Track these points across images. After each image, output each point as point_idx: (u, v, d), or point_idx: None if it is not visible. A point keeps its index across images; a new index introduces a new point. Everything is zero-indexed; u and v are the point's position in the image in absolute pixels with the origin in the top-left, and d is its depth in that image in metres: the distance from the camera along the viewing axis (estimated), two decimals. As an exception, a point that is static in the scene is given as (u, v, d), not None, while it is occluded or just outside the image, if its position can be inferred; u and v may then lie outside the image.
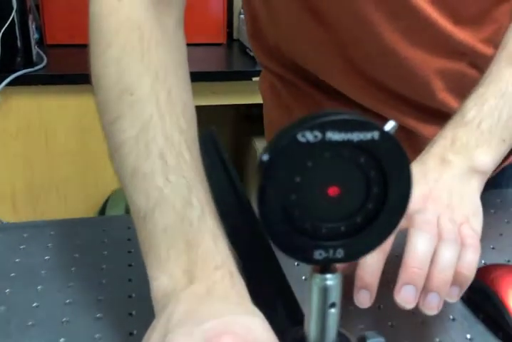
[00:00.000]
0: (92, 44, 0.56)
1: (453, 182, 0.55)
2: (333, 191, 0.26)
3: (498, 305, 0.54)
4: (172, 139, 0.49)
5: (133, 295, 0.56)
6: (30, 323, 0.53)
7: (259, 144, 2.01)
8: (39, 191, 1.86)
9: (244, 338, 0.36)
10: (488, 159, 0.57)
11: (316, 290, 0.28)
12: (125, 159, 0.49)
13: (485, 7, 0.71)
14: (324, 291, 0.28)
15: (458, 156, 0.56)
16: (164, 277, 0.44)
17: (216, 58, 1.96)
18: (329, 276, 0.28)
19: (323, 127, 0.25)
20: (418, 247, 0.48)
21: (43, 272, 0.59)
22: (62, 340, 0.51)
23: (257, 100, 1.00)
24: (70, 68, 1.83)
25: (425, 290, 0.47)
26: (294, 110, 0.88)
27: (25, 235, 0.66)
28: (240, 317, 0.39)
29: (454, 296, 0.49)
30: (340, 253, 0.27)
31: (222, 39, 1.96)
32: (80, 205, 1.94)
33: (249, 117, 2.02)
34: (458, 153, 0.56)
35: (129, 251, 0.62)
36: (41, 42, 1.83)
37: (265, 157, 0.26)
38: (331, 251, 0.27)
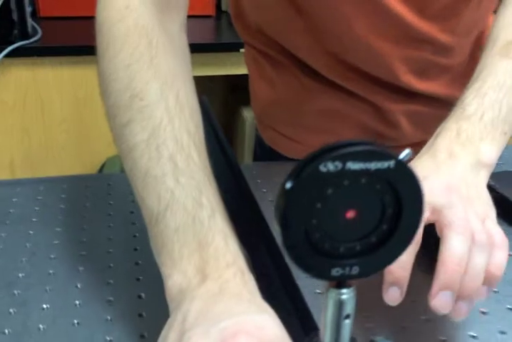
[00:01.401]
0: (101, 49, 0.55)
1: (466, 174, 0.53)
2: (350, 214, 0.27)
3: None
4: (181, 142, 0.49)
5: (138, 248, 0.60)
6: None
7: (248, 113, 2.01)
8: (36, 159, 1.86)
9: (257, 336, 0.37)
10: (492, 153, 0.56)
11: (332, 303, 0.28)
12: (137, 162, 0.49)
13: (449, 2, 0.73)
14: (340, 304, 0.28)
15: (465, 149, 0.55)
16: (178, 275, 0.44)
17: (205, 30, 1.94)
18: (344, 290, 0.28)
19: (344, 158, 0.25)
20: (457, 251, 0.46)
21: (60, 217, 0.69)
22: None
23: (245, 70, 0.98)
24: (64, 40, 1.80)
25: (456, 297, 0.45)
26: (277, 83, 0.89)
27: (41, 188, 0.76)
28: (253, 315, 0.39)
29: (483, 295, 0.48)
30: (356, 270, 0.28)
31: (211, 11, 1.94)
32: (76, 172, 1.93)
33: (238, 87, 2.01)
34: (465, 146, 0.55)
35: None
36: (34, 15, 1.79)
37: (288, 185, 0.26)
38: (347, 269, 0.28)
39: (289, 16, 0.76)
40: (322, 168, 0.25)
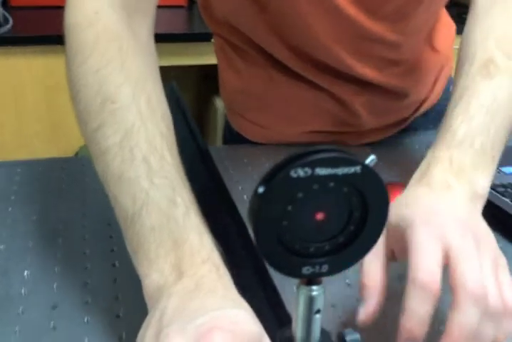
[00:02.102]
0: (70, 55, 0.56)
1: (467, 210, 0.52)
2: (319, 216, 0.28)
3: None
4: (154, 143, 0.50)
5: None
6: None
7: (220, 103, 2.02)
8: (9, 148, 1.84)
9: (232, 331, 0.38)
10: (485, 183, 0.55)
11: (303, 299, 0.30)
12: (110, 164, 0.50)
13: (399, 5, 0.76)
14: (310, 300, 0.30)
15: (460, 181, 0.53)
16: (154, 274, 0.45)
17: (177, 20, 1.93)
18: (314, 287, 0.30)
19: (313, 165, 0.27)
20: (468, 323, 0.43)
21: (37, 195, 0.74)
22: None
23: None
24: (35, 29, 1.79)
25: None
26: (244, 73, 0.91)
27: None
28: (228, 311, 0.40)
29: None
30: (325, 268, 0.29)
31: (182, 1, 1.93)
32: (49, 161, 1.92)
33: (210, 77, 2.01)
34: (459, 177, 0.53)
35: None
36: (5, 4, 1.77)
37: (261, 190, 0.27)
38: (317, 267, 0.29)
39: (252, 10, 0.78)
40: (293, 174, 0.27)
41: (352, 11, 0.75)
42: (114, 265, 0.61)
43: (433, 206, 0.50)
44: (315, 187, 0.27)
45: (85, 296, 0.57)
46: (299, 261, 0.29)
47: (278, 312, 0.44)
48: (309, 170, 0.27)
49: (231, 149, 0.97)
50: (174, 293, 0.43)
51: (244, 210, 0.60)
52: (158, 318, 0.41)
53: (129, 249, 0.48)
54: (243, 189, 0.80)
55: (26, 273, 0.59)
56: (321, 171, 0.27)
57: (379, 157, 0.69)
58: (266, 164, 0.87)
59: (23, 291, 0.57)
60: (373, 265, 0.49)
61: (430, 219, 0.48)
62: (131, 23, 0.58)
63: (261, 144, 0.95)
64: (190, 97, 2.34)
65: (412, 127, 0.98)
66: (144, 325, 0.43)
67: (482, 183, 0.54)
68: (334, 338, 0.32)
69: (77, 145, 1.84)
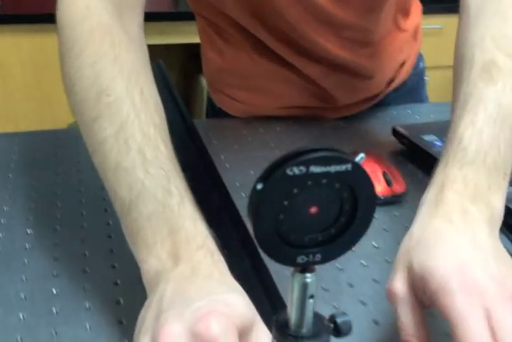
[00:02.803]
0: (65, 48, 0.57)
1: (490, 244, 0.48)
2: (313, 210, 0.30)
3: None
4: (148, 134, 0.52)
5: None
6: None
7: (204, 81, 2.02)
8: (-2, 126, 1.85)
9: (227, 314, 0.40)
10: (501, 204, 0.51)
11: (297, 286, 0.32)
12: (107, 155, 0.52)
13: None
14: (304, 286, 0.32)
15: (477, 205, 0.50)
16: (152, 260, 0.47)
17: (163, -2, 1.93)
18: (308, 275, 0.32)
19: (308, 163, 0.29)
20: None
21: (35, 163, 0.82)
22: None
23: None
24: (24, 8, 1.78)
25: None
26: (225, 52, 0.97)
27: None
28: (223, 295, 0.42)
29: None
30: (318, 257, 0.31)
31: (168, -20, 1.92)
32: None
33: (196, 55, 2.02)
34: (476, 201, 0.50)
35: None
36: (-8, -17, 1.76)
37: (259, 186, 0.29)
38: (311, 256, 0.31)
39: None
40: (289, 172, 0.29)
41: (322, 0, 0.81)
42: (108, 224, 0.68)
43: (462, 257, 0.45)
44: (309, 183, 0.29)
45: (84, 264, 0.59)
46: (294, 251, 0.31)
47: (272, 297, 0.46)
48: (303, 168, 0.29)
49: (214, 123, 1.05)
50: (172, 279, 0.45)
51: (226, 176, 0.67)
52: (157, 303, 0.43)
53: (126, 236, 0.50)
54: (226, 158, 0.86)
55: (28, 231, 0.66)
56: (315, 169, 0.29)
57: (352, 129, 0.71)
58: (247, 137, 0.95)
59: (26, 245, 0.64)
60: (409, 318, 0.45)
61: (465, 281, 0.43)
62: (122, 19, 0.59)
63: (240, 118, 1.02)
64: (175, 75, 2.34)
65: (385, 102, 1.04)
66: (143, 309, 0.45)
67: (497, 205, 0.51)
68: (325, 320, 0.35)
69: (66, 123, 1.85)
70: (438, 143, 0.86)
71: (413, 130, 0.91)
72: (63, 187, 0.77)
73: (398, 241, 0.50)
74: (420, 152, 0.86)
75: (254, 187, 0.29)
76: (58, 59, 0.59)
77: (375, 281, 0.60)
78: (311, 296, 0.32)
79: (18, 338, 0.51)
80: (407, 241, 0.48)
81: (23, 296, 0.56)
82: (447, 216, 0.48)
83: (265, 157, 0.83)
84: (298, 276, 0.32)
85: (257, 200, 0.29)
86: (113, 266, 0.62)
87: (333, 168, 0.29)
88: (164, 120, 0.55)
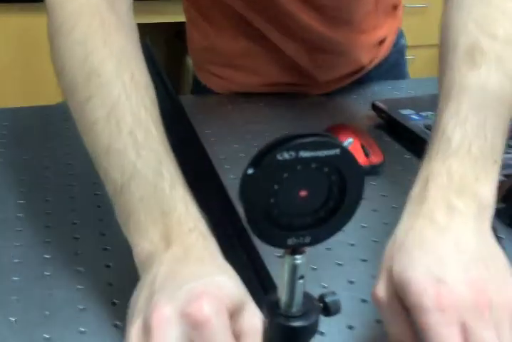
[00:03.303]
0: (54, 27, 0.57)
1: (474, 241, 0.46)
2: (303, 193, 0.31)
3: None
4: (139, 117, 0.52)
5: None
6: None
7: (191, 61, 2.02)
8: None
9: (218, 296, 0.41)
10: (490, 193, 0.49)
11: (288, 267, 0.33)
12: (98, 137, 0.52)
13: None
14: (295, 267, 0.33)
15: (462, 199, 0.48)
16: (145, 242, 0.47)
17: (149, -23, 1.91)
18: (298, 256, 0.33)
19: (297, 148, 0.29)
20: None
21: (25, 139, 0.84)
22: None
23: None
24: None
25: None
26: (208, 32, 1.00)
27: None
28: (214, 277, 0.43)
29: None
30: (308, 239, 0.32)
31: (154, -40, 1.90)
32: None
33: (182, 35, 2.01)
34: (462, 194, 0.48)
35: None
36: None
37: (250, 171, 0.30)
38: (300, 238, 0.32)
39: None
40: (279, 157, 0.29)
41: None
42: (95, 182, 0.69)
43: (441, 267, 0.44)
44: (299, 167, 0.30)
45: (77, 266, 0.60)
46: (285, 233, 0.32)
47: (263, 278, 0.47)
48: (293, 153, 0.29)
49: (199, 99, 1.07)
50: (164, 261, 0.45)
51: (211, 149, 0.70)
52: (150, 284, 0.44)
53: (119, 218, 0.51)
54: (211, 133, 0.88)
55: (19, 201, 0.69)
56: (305, 153, 0.30)
57: (333, 105, 0.73)
58: (231, 112, 0.99)
59: (18, 215, 0.66)
60: (395, 323, 0.45)
61: (441, 297, 0.41)
62: (111, 0, 0.59)
63: (224, 94, 1.05)
64: (163, 53, 2.34)
65: (366, 78, 1.07)
66: (136, 291, 0.46)
67: (486, 194, 0.49)
68: (315, 300, 0.36)
69: (53, 102, 1.84)
70: (415, 117, 0.91)
71: (391, 105, 0.95)
72: (53, 160, 0.79)
73: (374, 209, 0.50)
74: (397, 126, 0.90)
75: (245, 172, 0.30)
76: (46, 38, 0.58)
77: (363, 260, 0.62)
78: (302, 277, 0.33)
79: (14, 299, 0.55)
80: (391, 244, 0.47)
81: (16, 261, 0.59)
82: (430, 215, 0.47)
83: (249, 131, 0.90)
84: (288, 258, 0.33)
85: (247, 185, 0.30)
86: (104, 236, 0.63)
87: (322, 153, 0.30)
88: (155, 102, 0.55)
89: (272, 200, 0.31)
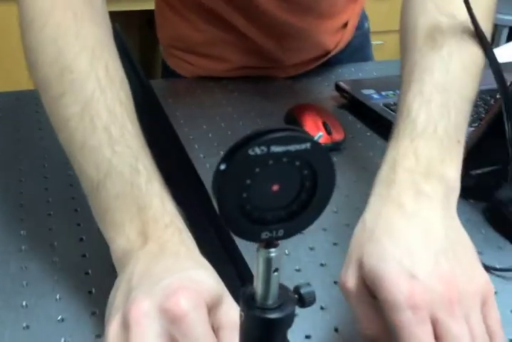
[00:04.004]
0: (25, 22, 0.56)
1: (444, 222, 0.47)
2: (275, 187, 0.31)
3: (301, 125, 0.80)
4: (114, 112, 0.51)
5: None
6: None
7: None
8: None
9: (196, 290, 0.41)
10: (455, 174, 0.50)
11: (262, 260, 0.33)
12: (73, 133, 0.51)
13: None
14: (269, 260, 0.33)
15: (430, 182, 0.48)
16: (121, 239, 0.48)
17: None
18: (272, 249, 0.33)
19: (268, 143, 0.30)
20: None
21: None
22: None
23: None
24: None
25: None
26: (172, 21, 1.07)
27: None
28: (191, 271, 0.43)
29: None
30: (281, 232, 0.33)
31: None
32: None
33: (154, 22, 2.02)
34: (428, 177, 0.48)
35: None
36: None
37: (222, 167, 0.30)
38: (274, 232, 0.32)
39: None
40: (251, 152, 0.30)
41: None
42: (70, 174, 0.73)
43: (412, 260, 0.44)
44: (271, 162, 0.30)
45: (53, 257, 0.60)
46: (258, 227, 0.32)
47: (241, 271, 0.47)
48: (265, 148, 0.30)
49: (169, 83, 1.13)
50: (140, 257, 0.46)
51: (181, 131, 0.77)
52: (127, 281, 0.44)
53: (94, 214, 0.51)
54: (180, 115, 0.93)
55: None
56: (276, 148, 0.30)
57: (299, 86, 0.76)
58: (201, 95, 1.04)
59: None
60: (364, 313, 0.45)
61: (413, 294, 0.42)
62: None
63: (191, 78, 1.11)
64: (136, 40, 2.33)
65: (332, 61, 1.14)
66: (114, 287, 0.46)
67: (451, 175, 0.50)
68: (290, 292, 0.36)
69: (23, 88, 1.84)
70: (376, 96, 0.98)
71: (354, 85, 1.01)
72: (26, 144, 0.84)
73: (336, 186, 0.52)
74: (359, 105, 0.97)
75: (218, 168, 0.30)
76: (15, 25, 0.58)
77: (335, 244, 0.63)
78: (276, 270, 0.34)
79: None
80: (360, 230, 0.47)
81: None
82: (398, 200, 0.47)
83: (218, 113, 0.95)
84: (262, 251, 0.33)
85: (220, 180, 0.30)
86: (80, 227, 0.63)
87: (293, 147, 0.30)
88: (130, 95, 0.55)
89: (244, 195, 0.31)
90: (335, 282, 0.57)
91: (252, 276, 0.47)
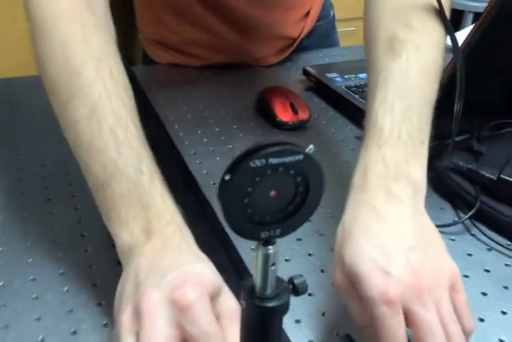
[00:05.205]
0: (35, 30, 0.59)
1: (414, 224, 0.51)
2: (273, 193, 0.36)
3: (270, 106, 0.96)
4: (119, 115, 0.55)
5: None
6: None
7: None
8: None
9: (200, 282, 0.46)
10: (421, 172, 0.54)
11: (261, 256, 0.38)
12: (80, 135, 0.55)
13: None
14: (267, 256, 0.38)
15: (398, 183, 0.52)
16: (126, 235, 0.51)
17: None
18: (270, 247, 0.38)
19: (267, 156, 0.34)
20: None
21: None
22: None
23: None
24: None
25: None
26: (145, 19, 1.17)
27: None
28: (193, 265, 0.47)
29: None
30: (278, 231, 0.37)
31: None
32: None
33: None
34: (397, 179, 0.52)
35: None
36: None
37: (227, 177, 0.35)
38: (272, 231, 0.37)
39: None
40: (252, 164, 0.34)
41: None
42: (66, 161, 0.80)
43: (385, 258, 0.48)
44: (269, 172, 0.35)
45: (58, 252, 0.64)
46: (258, 228, 0.36)
47: (237, 265, 0.52)
48: (264, 160, 0.34)
49: (150, 69, 1.22)
50: (145, 253, 0.49)
51: (162, 112, 0.92)
52: (134, 276, 0.48)
53: (102, 212, 0.55)
54: (161, 98, 1.03)
55: None
56: (274, 160, 0.34)
57: (271, 72, 1.07)
58: (180, 80, 1.14)
59: None
60: (358, 308, 0.49)
61: (387, 289, 0.46)
62: (89, 0, 0.61)
63: (167, 64, 1.20)
64: (116, 29, 2.34)
65: (300, 47, 1.24)
66: (120, 282, 0.50)
67: (418, 174, 0.54)
68: (285, 282, 0.41)
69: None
70: (339, 79, 1.10)
71: (319, 70, 1.13)
72: (21, 132, 0.90)
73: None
74: (324, 87, 1.08)
75: (223, 178, 0.35)
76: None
77: (321, 234, 0.68)
78: (273, 264, 0.38)
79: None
80: (341, 234, 0.52)
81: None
82: (372, 204, 0.51)
83: (195, 96, 1.05)
84: (261, 249, 0.38)
85: (225, 188, 0.35)
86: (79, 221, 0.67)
87: (288, 159, 0.35)
88: (132, 99, 0.58)
89: (246, 200, 0.35)
90: (322, 270, 0.62)
91: (246, 269, 0.52)
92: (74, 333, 0.55)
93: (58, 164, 0.81)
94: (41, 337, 0.55)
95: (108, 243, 0.58)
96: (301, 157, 0.35)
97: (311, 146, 0.36)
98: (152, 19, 1.13)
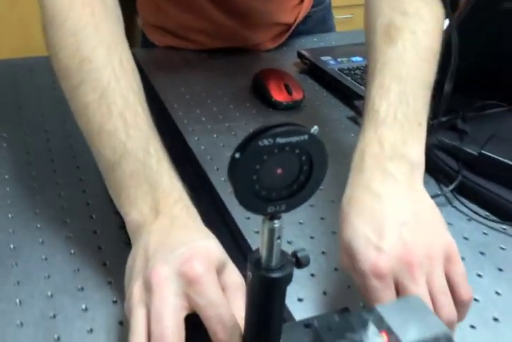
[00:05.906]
0: (47, 18, 0.61)
1: (409, 199, 0.52)
2: (279, 171, 0.39)
3: (265, 87, 1.00)
4: (128, 100, 0.57)
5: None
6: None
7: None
8: None
9: (206, 257, 0.48)
10: (418, 152, 0.56)
11: (267, 230, 0.40)
12: (91, 119, 0.57)
13: None
14: (273, 231, 0.41)
15: (394, 163, 0.53)
16: (135, 213, 0.53)
17: None
18: (276, 221, 0.40)
19: (274, 136, 0.37)
20: None
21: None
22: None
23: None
24: None
25: None
26: (144, 5, 1.20)
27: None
28: (200, 241, 0.50)
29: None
30: (284, 207, 0.40)
31: None
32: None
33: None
34: (393, 158, 0.54)
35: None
36: None
37: (237, 155, 0.37)
38: (278, 207, 0.39)
39: None
40: (260, 143, 0.37)
41: None
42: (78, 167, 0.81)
43: (379, 235, 0.50)
44: (276, 151, 0.37)
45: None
46: (265, 203, 0.39)
47: (239, 241, 0.55)
48: (271, 140, 0.37)
49: (149, 51, 1.26)
50: (153, 230, 0.52)
51: (163, 93, 1.00)
52: (143, 252, 0.51)
53: (110, 192, 0.57)
54: (161, 80, 1.07)
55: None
56: (280, 140, 0.37)
57: (268, 55, 1.13)
58: (178, 62, 1.18)
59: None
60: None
61: (379, 266, 0.49)
62: None
63: (165, 47, 1.23)
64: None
65: (296, 32, 1.28)
66: (130, 258, 0.52)
67: (415, 153, 0.55)
68: (289, 255, 0.43)
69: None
70: (332, 62, 1.15)
71: (313, 53, 1.17)
72: (27, 111, 0.93)
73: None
74: (317, 69, 1.13)
75: (233, 156, 0.37)
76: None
77: (322, 218, 0.70)
78: (279, 238, 0.41)
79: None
80: (341, 215, 0.54)
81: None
82: (368, 184, 0.53)
83: (194, 78, 1.10)
84: (267, 223, 0.40)
85: (235, 166, 0.37)
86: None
87: (294, 138, 0.37)
88: (140, 85, 0.61)
89: (254, 177, 0.38)
90: (323, 252, 0.65)
91: (248, 245, 0.55)
92: (85, 309, 0.58)
93: (62, 138, 0.84)
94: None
95: (116, 225, 0.61)
96: (306, 137, 0.38)
97: (315, 127, 0.38)
98: (151, 6, 1.16)
